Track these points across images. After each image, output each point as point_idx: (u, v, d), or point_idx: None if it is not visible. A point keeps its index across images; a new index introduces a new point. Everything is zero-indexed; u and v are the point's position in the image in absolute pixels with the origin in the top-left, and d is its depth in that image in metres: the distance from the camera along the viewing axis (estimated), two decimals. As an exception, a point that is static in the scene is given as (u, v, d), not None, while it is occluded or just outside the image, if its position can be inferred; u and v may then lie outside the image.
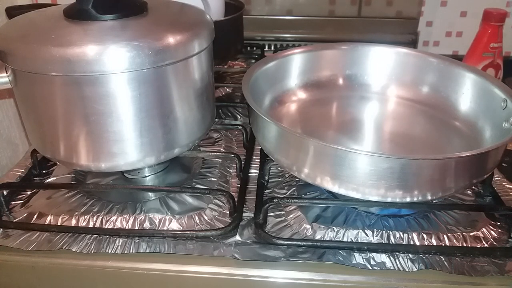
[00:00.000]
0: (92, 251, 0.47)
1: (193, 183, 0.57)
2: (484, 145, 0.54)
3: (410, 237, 0.48)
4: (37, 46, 0.43)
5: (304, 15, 0.96)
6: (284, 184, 0.57)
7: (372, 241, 0.48)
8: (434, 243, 0.48)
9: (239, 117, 0.73)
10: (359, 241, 0.48)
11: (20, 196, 0.55)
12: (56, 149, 0.49)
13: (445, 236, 0.48)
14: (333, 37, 0.93)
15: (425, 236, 0.48)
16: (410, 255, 0.46)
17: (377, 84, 0.68)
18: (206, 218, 0.51)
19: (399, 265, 0.45)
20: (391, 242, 0.48)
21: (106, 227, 0.50)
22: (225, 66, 0.88)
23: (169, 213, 0.51)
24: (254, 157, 0.62)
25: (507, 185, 0.57)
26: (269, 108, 0.62)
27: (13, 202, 0.54)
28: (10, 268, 0.49)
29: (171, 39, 0.46)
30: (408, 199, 0.45)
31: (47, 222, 0.51)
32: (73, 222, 0.51)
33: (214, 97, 0.59)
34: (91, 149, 0.48)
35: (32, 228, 0.50)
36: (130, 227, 0.50)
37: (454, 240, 0.48)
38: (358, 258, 0.46)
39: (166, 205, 0.53)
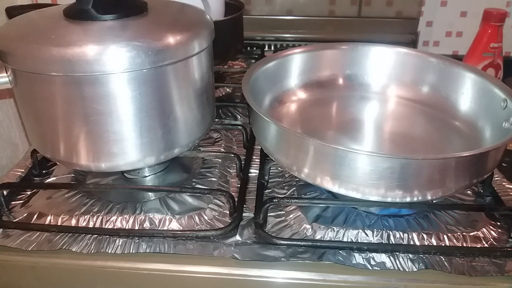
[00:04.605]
0: (92, 251, 0.47)
1: (193, 183, 0.57)
2: (484, 145, 0.54)
3: (410, 237, 0.48)
4: (37, 46, 0.43)
5: (304, 15, 0.96)
6: (284, 184, 0.57)
7: (372, 241, 0.48)
8: (434, 243, 0.48)
9: (239, 117, 0.73)
10: (359, 241, 0.48)
11: (20, 196, 0.55)
12: (56, 149, 0.49)
13: (445, 236, 0.48)
14: (333, 37, 0.93)
15: (425, 236, 0.48)
16: (410, 255, 0.46)
17: (377, 84, 0.68)
18: (206, 218, 0.51)
19: (399, 265, 0.45)
20: (391, 242, 0.48)
21: (106, 227, 0.50)
22: (225, 66, 0.88)
23: (169, 213, 0.51)
24: (254, 157, 0.62)
25: (507, 185, 0.57)
26: (269, 108, 0.62)
27: (13, 202, 0.54)
28: (10, 268, 0.49)
29: (171, 39, 0.46)
30: (408, 199, 0.45)
31: (47, 222, 0.51)
32: (73, 222, 0.51)
33: (214, 97, 0.59)
34: (91, 149, 0.48)
35: (32, 228, 0.50)
36: (130, 227, 0.50)
37: (454, 240, 0.48)
38: (358, 258, 0.46)
39: (166, 205, 0.53)
